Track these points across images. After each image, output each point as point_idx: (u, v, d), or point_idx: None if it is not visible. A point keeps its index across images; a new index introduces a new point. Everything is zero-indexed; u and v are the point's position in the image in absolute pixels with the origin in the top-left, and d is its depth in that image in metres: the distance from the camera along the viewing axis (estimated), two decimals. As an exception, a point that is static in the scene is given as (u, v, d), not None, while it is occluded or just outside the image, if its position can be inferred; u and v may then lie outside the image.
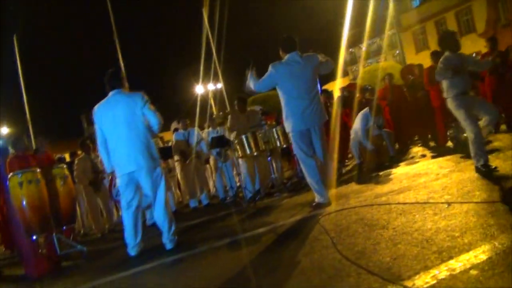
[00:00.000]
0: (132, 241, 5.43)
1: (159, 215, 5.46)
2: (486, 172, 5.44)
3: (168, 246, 5.40)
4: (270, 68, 5.86)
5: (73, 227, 8.19)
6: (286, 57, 5.92)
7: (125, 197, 5.46)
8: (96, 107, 5.50)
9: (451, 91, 5.91)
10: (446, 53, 6.06)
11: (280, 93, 5.98)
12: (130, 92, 5.56)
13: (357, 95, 10.33)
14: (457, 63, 5.87)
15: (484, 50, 10.26)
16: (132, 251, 5.42)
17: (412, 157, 8.86)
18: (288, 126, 5.94)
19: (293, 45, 5.93)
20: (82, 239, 8.88)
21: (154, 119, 5.41)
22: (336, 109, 9.40)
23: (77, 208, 8.99)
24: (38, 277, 5.54)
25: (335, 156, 8.26)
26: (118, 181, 5.54)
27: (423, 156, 8.65)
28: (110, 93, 5.50)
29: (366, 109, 8.90)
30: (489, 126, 5.94)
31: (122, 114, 5.33)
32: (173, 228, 5.47)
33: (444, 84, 5.98)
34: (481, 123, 5.84)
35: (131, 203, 5.46)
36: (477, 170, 5.62)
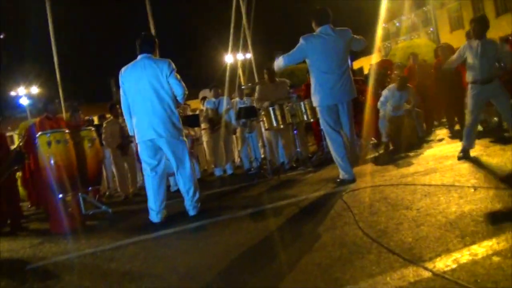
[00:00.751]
0: (155, 207, 5.40)
1: (183, 183, 5.46)
2: (462, 157, 6.00)
3: (191, 212, 5.44)
4: (301, 40, 5.75)
5: (99, 189, 8.38)
6: (318, 29, 5.81)
7: (148, 163, 5.45)
8: (123, 69, 5.46)
9: (469, 77, 6.05)
10: (469, 40, 6.11)
11: (309, 67, 5.91)
12: (158, 59, 5.50)
13: (391, 72, 10.18)
14: (474, 53, 5.95)
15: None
16: (155, 217, 5.39)
17: (441, 139, 8.74)
18: (316, 100, 5.88)
19: (327, 17, 5.81)
20: (107, 200, 9.07)
21: (179, 89, 5.36)
22: (368, 86, 9.29)
23: (104, 170, 9.14)
24: (62, 233, 5.70)
25: (366, 133, 8.23)
26: (139, 147, 5.51)
27: (440, 140, 8.58)
28: (139, 57, 5.45)
29: (392, 85, 8.83)
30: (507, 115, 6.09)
31: (147, 80, 5.28)
32: (197, 195, 5.49)
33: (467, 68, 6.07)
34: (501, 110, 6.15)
35: (155, 169, 5.45)
36: (462, 150, 6.11)
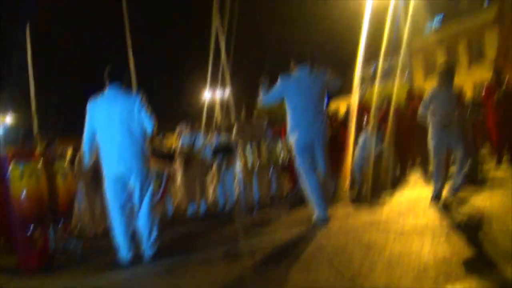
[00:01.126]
0: (123, 245, 5.15)
1: (141, 220, 5.21)
2: (433, 200, 6.13)
3: (148, 252, 5.17)
4: (279, 80, 5.89)
5: (69, 223, 8.18)
6: (297, 69, 5.95)
7: (114, 199, 5.21)
8: (91, 100, 5.26)
9: (431, 121, 6.38)
10: (434, 87, 6.50)
11: (287, 105, 5.99)
12: (129, 92, 5.36)
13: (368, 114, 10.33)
14: (439, 101, 6.31)
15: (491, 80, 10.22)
16: (124, 255, 5.14)
17: (413, 182, 8.84)
18: (292, 138, 5.94)
19: (306, 58, 5.97)
20: (77, 234, 8.84)
21: (150, 123, 5.19)
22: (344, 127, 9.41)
23: (75, 204, 8.94)
24: (31, 270, 5.51)
25: (341, 174, 8.30)
26: (106, 183, 5.29)
27: (414, 182, 8.71)
28: (109, 88, 5.26)
29: (368, 128, 8.98)
30: (458, 178, 6.27)
31: (119, 113, 5.11)
32: (154, 235, 5.22)
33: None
34: (454, 171, 6.46)
35: (123, 206, 5.21)
36: (434, 194, 6.21)
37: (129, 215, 5.27)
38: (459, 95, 6.60)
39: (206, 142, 9.75)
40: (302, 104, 5.83)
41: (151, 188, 5.32)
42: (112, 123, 5.12)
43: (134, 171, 5.14)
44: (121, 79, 5.31)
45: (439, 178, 6.28)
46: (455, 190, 6.23)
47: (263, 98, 5.95)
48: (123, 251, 5.17)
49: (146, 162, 5.29)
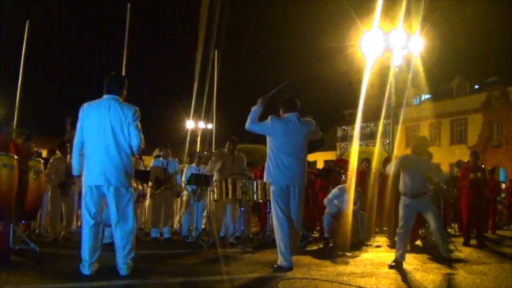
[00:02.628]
0: (87, 258, 5.00)
1: (120, 238, 5.09)
2: (393, 266, 6.21)
3: (122, 271, 5.05)
4: (268, 119, 6.01)
5: (30, 224, 8.00)
6: (285, 115, 6.10)
7: (89, 209, 5.09)
8: (85, 105, 5.18)
9: (401, 189, 6.67)
10: (407, 153, 6.97)
11: (269, 145, 6.08)
12: (125, 104, 5.27)
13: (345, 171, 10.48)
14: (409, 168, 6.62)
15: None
16: (86, 269, 4.99)
17: (379, 246, 8.89)
18: (270, 178, 5.99)
19: (294, 107, 6.16)
20: (35, 238, 8.63)
21: (136, 139, 5.13)
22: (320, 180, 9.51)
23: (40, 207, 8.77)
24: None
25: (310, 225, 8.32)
26: (83, 191, 5.18)
27: (378, 246, 8.79)
28: (105, 97, 5.21)
29: (343, 185, 9.16)
30: (436, 233, 6.77)
31: (109, 122, 5.05)
32: (131, 254, 5.14)
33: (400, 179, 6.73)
34: (431, 227, 6.83)
35: (94, 217, 5.09)
36: (394, 260, 6.36)
37: (98, 228, 5.14)
38: (430, 164, 6.96)
39: (178, 169, 9.71)
40: (285, 148, 5.94)
41: (131, 204, 5.21)
42: (101, 132, 5.06)
43: (113, 184, 5.05)
44: (118, 92, 5.26)
45: (401, 246, 6.46)
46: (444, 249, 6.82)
47: (250, 123, 6.01)
48: (84, 264, 5.03)
49: (129, 177, 5.18)
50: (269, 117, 6.02)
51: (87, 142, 5.14)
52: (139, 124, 5.19)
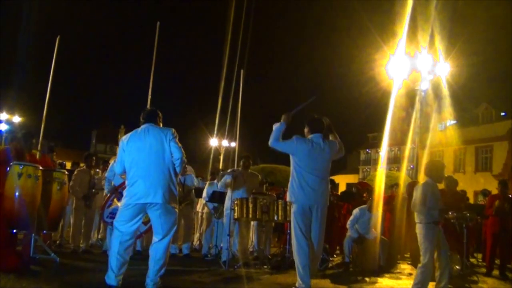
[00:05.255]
0: (115, 269, 5.03)
1: (156, 253, 5.17)
2: None
3: (150, 287, 5.11)
4: (293, 138, 5.98)
5: (51, 234, 8.07)
6: (310, 136, 6.06)
7: (126, 224, 5.16)
8: (125, 137, 5.45)
9: (428, 217, 6.13)
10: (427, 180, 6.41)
11: (293, 164, 6.02)
12: (162, 127, 5.53)
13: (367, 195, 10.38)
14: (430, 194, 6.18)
15: (496, 191, 10.27)
16: (113, 280, 5.02)
17: (399, 272, 8.72)
18: (293, 197, 5.92)
19: (320, 127, 6.11)
20: (56, 249, 8.70)
21: (178, 152, 5.28)
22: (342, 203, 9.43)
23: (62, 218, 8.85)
24: (7, 269, 5.39)
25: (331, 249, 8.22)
26: (121, 208, 5.28)
27: (410, 274, 8.55)
28: (142, 126, 5.45)
29: (364, 206, 9.01)
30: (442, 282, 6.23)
31: (150, 145, 5.25)
32: (162, 271, 5.19)
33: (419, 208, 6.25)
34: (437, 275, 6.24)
35: (128, 231, 5.16)
36: None
37: (130, 240, 5.21)
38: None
39: (196, 185, 9.66)
40: (309, 167, 5.88)
41: (175, 221, 5.35)
42: (144, 155, 5.24)
43: (160, 202, 5.15)
44: (154, 121, 5.51)
45: (427, 278, 6.12)
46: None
47: (274, 141, 5.94)
48: (111, 275, 5.06)
49: (174, 194, 5.30)
50: (294, 136, 5.99)
51: (131, 167, 5.30)
52: (178, 142, 5.38)
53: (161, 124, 5.61)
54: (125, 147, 5.36)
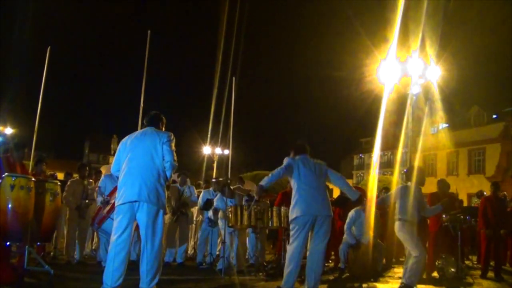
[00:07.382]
0: (110, 283, 4.93)
1: (146, 261, 5.07)
2: None
3: None
4: (286, 159, 6.11)
5: (44, 246, 8.02)
6: (297, 157, 6.19)
7: (117, 229, 5.09)
8: (125, 138, 5.52)
9: (400, 214, 6.83)
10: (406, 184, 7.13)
11: (293, 181, 6.04)
12: (162, 130, 5.61)
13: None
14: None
15: (489, 192, 10.31)
16: None
17: (399, 278, 8.71)
18: (296, 211, 5.86)
19: (304, 151, 6.29)
20: (50, 261, 8.64)
21: (169, 154, 5.26)
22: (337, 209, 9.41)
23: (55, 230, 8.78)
24: (1, 282, 5.34)
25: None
26: (116, 212, 5.24)
27: (399, 278, 8.56)
28: (143, 129, 5.60)
29: (359, 207, 8.91)
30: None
31: (144, 146, 5.28)
32: (156, 279, 5.10)
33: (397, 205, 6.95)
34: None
35: (122, 237, 5.07)
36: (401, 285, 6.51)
37: (125, 250, 5.12)
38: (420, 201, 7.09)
39: (193, 195, 9.63)
40: (308, 178, 5.96)
41: (161, 226, 5.25)
42: (136, 153, 5.30)
43: (146, 202, 5.10)
44: (156, 125, 5.61)
45: (418, 271, 6.62)
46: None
47: (266, 180, 5.91)
48: (107, 282, 4.97)
49: (161, 197, 5.24)
50: (286, 158, 6.15)
51: (124, 164, 5.34)
52: (173, 145, 5.40)
53: (163, 129, 5.67)
54: (122, 147, 5.44)
